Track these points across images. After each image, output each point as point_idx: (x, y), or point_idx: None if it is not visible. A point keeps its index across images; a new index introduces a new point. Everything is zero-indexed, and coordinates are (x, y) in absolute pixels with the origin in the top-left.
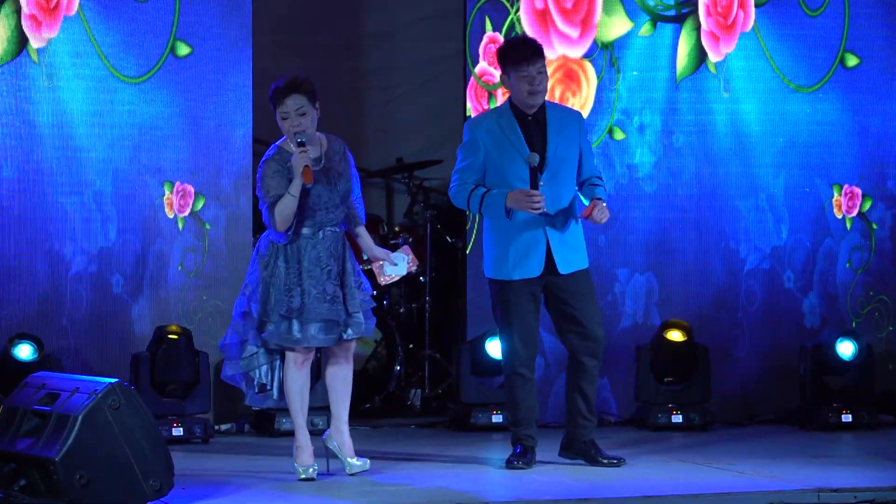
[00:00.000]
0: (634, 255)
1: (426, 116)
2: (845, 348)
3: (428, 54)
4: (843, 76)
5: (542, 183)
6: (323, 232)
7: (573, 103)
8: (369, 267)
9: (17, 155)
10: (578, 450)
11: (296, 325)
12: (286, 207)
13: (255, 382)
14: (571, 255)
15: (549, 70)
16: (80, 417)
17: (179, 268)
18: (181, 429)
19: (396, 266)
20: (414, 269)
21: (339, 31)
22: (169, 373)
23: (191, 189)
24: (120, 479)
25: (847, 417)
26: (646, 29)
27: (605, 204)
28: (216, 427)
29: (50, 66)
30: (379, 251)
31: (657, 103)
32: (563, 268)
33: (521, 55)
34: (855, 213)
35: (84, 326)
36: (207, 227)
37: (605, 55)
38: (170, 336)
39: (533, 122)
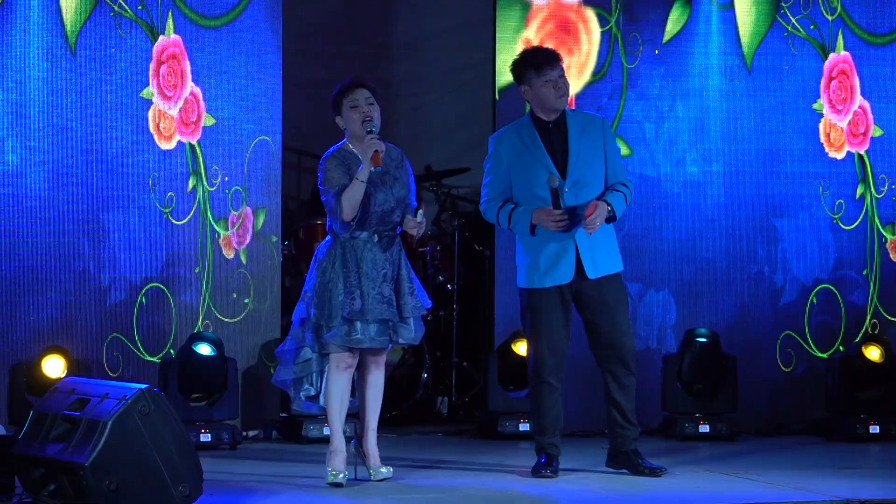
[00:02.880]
0: (656, 267)
1: (454, 125)
2: (873, 353)
3: (456, 63)
4: None
5: (566, 189)
6: (379, 235)
7: (569, 63)
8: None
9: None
10: (621, 460)
11: (358, 326)
12: (354, 193)
13: (304, 390)
14: (601, 259)
15: (539, 18)
16: (109, 423)
17: (249, 307)
18: (209, 435)
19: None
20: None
21: (368, 41)
22: (197, 379)
23: (248, 211)
24: (149, 484)
25: (875, 429)
26: (677, 16)
27: (609, 208)
28: (244, 433)
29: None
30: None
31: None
32: (592, 272)
33: (542, 60)
34: None
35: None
36: (274, 239)
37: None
38: (199, 342)
39: (554, 130)
